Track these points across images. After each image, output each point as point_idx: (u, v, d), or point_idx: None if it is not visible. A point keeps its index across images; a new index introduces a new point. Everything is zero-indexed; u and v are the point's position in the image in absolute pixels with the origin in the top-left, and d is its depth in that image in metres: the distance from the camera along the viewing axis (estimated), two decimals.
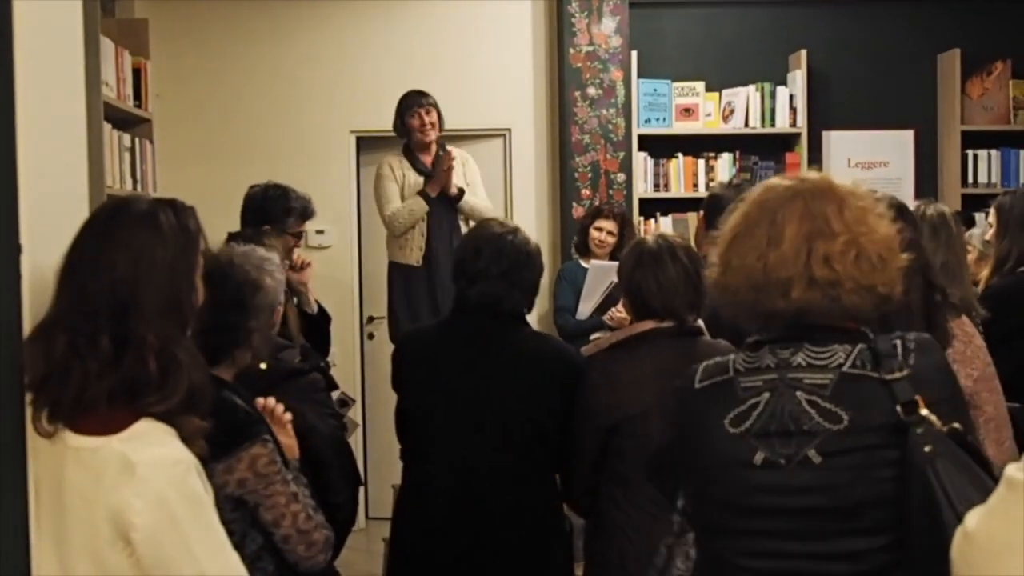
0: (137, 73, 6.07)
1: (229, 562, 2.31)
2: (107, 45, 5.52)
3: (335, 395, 4.48)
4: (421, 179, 6.47)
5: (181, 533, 2.24)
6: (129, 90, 5.93)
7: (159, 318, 2.30)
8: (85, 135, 2.88)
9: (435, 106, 6.51)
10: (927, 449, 2.13)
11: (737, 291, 2.39)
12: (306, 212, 5.70)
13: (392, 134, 7.31)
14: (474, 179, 6.75)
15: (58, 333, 2.31)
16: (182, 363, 2.30)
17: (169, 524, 2.23)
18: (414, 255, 6.43)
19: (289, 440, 2.99)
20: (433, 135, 6.51)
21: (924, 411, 2.17)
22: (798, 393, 2.28)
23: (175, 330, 2.33)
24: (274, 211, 5.55)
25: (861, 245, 2.29)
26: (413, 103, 6.51)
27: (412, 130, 6.50)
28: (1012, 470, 1.75)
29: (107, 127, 5.41)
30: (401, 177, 6.56)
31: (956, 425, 2.17)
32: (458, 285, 3.80)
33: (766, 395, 2.31)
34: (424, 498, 3.79)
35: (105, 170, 5.22)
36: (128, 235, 2.36)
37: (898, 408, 2.19)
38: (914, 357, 2.27)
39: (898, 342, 2.30)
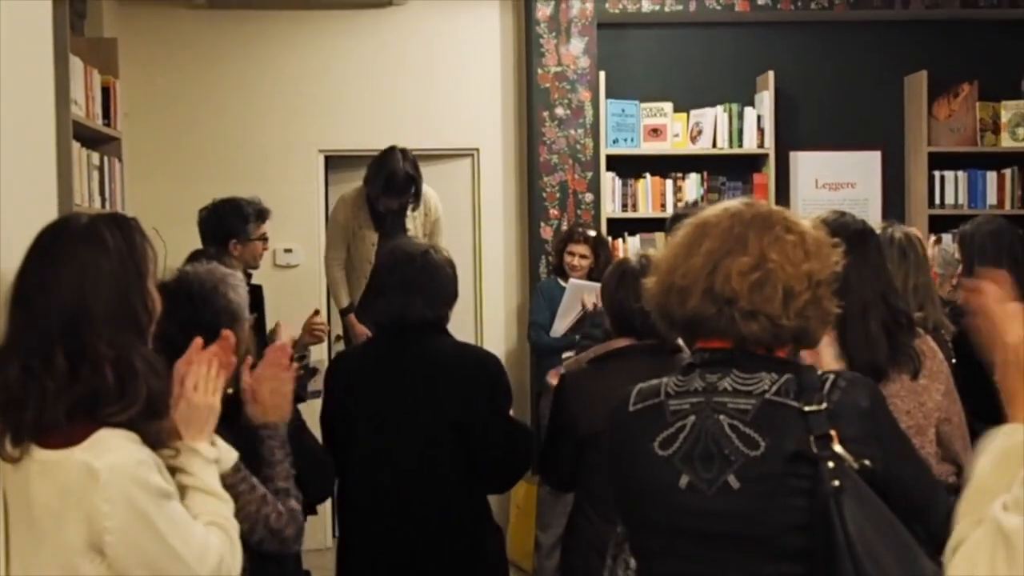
0: (106, 91, 6.05)
1: (204, 544, 2.32)
2: (76, 63, 5.49)
3: (310, 363, 4.54)
4: (374, 235, 6.55)
5: (154, 528, 2.26)
6: (98, 108, 5.91)
7: (111, 327, 2.30)
8: (54, 153, 2.88)
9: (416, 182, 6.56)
10: (835, 483, 2.16)
11: (653, 296, 2.45)
12: (262, 214, 5.76)
13: (361, 153, 7.44)
14: (434, 225, 6.79)
15: (12, 358, 2.32)
16: (139, 371, 2.29)
17: (140, 522, 2.25)
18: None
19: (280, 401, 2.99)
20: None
21: (837, 446, 2.19)
22: (721, 417, 2.30)
23: (130, 337, 2.33)
24: (233, 224, 5.58)
25: (769, 272, 2.31)
26: (393, 184, 6.51)
27: (384, 208, 6.55)
28: (1000, 515, 1.74)
29: (76, 145, 5.37)
30: (354, 230, 6.67)
31: (867, 462, 2.20)
32: (372, 303, 3.86)
33: (692, 418, 2.33)
34: (354, 514, 3.86)
35: (74, 188, 5.19)
36: (70, 251, 2.36)
37: (811, 439, 2.22)
38: (838, 394, 2.28)
39: (830, 377, 2.31)
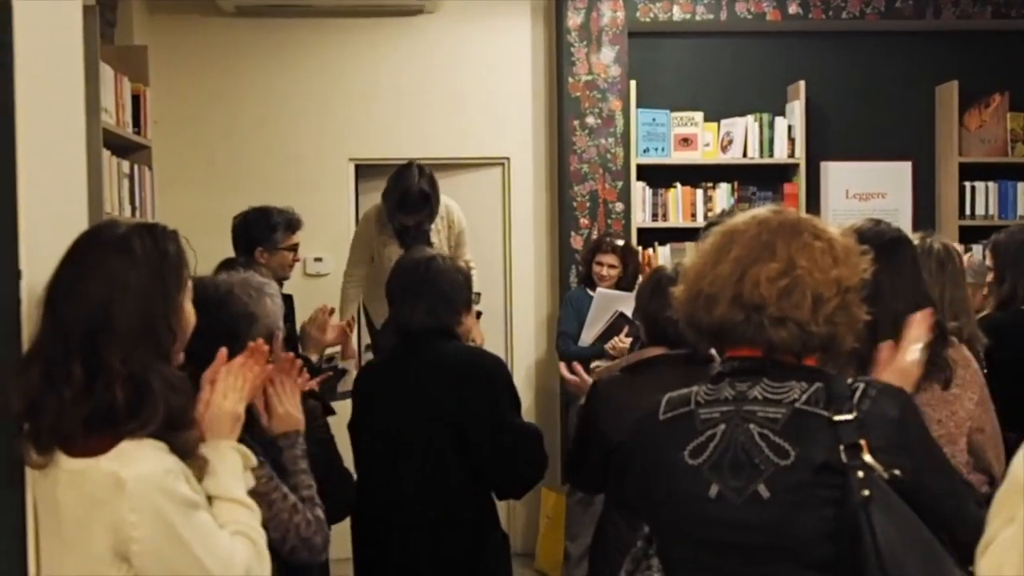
0: (136, 99, 6.07)
1: (230, 553, 2.32)
2: (107, 71, 5.52)
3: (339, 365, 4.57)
4: (399, 250, 6.42)
5: (180, 538, 2.26)
6: (128, 117, 5.93)
7: (130, 344, 2.30)
8: (84, 162, 2.88)
9: (431, 203, 6.50)
10: (865, 493, 2.17)
11: (681, 304, 2.46)
12: (292, 223, 5.74)
13: (392, 162, 7.35)
14: (459, 237, 6.75)
15: (35, 364, 2.32)
16: (155, 390, 2.29)
17: (167, 532, 2.25)
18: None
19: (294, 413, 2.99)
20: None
21: (867, 456, 2.20)
22: (751, 426, 2.30)
23: (148, 356, 2.32)
24: (260, 232, 5.58)
25: (798, 278, 2.31)
26: (408, 203, 6.46)
27: (403, 225, 6.50)
28: None
29: (106, 154, 5.40)
30: (379, 248, 6.62)
31: (896, 472, 2.20)
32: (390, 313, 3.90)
33: (722, 427, 2.34)
34: (374, 531, 3.88)
35: (104, 197, 5.22)
36: (100, 261, 2.36)
37: (842, 449, 2.21)
38: (868, 403, 2.28)
39: (860, 386, 2.31)
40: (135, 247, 2.39)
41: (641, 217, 7.65)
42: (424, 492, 3.72)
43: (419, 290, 3.80)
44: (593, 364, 5.68)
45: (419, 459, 3.73)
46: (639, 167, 7.64)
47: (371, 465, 3.86)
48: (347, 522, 3.68)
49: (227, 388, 2.47)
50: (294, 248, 5.78)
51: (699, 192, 7.69)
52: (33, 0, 2.50)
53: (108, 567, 2.29)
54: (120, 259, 2.37)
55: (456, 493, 3.76)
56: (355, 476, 3.88)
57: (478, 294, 4.02)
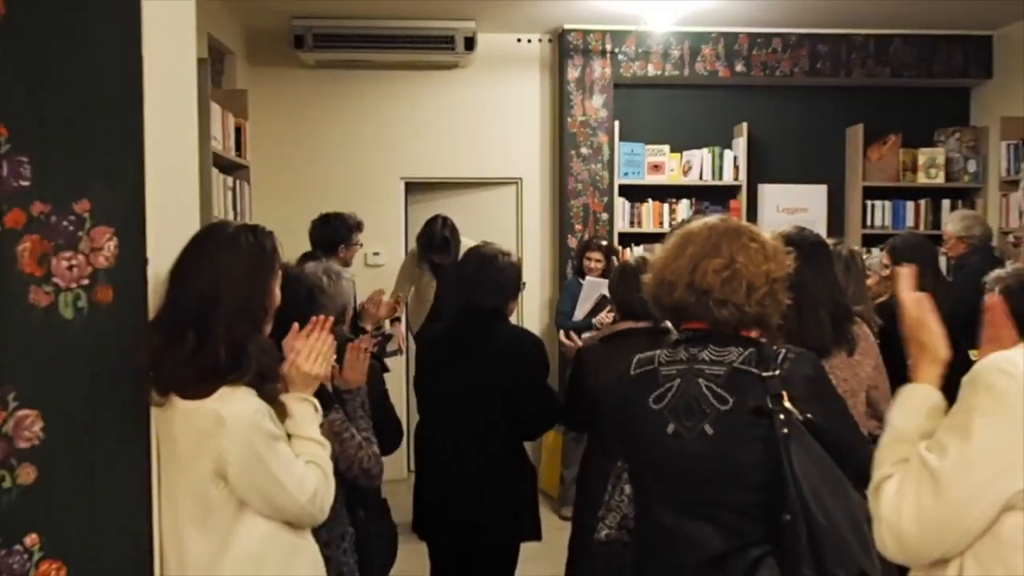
0: (238, 131, 6.08)
1: (303, 477, 2.33)
2: (216, 109, 5.53)
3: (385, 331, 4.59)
4: (435, 280, 6.67)
5: (264, 463, 2.27)
6: (232, 143, 5.94)
7: (233, 318, 2.31)
8: (197, 177, 2.89)
9: (450, 248, 6.58)
10: (785, 431, 2.19)
11: (649, 289, 2.49)
12: (360, 225, 5.89)
13: (433, 180, 7.71)
14: None
15: (158, 330, 2.35)
16: (251, 352, 2.30)
17: (254, 458, 2.27)
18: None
19: (359, 376, 3.00)
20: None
21: (787, 403, 2.22)
22: (700, 380, 2.32)
23: (246, 326, 2.33)
24: (343, 233, 5.67)
25: (736, 270, 2.34)
26: (433, 244, 6.60)
27: (428, 262, 6.69)
28: (925, 455, 1.72)
29: (215, 172, 5.42)
30: (419, 276, 6.77)
31: (809, 416, 2.22)
32: (455, 293, 3.90)
33: (678, 380, 2.36)
34: (433, 460, 3.87)
35: (213, 204, 5.25)
36: (213, 253, 2.37)
37: (768, 398, 2.23)
38: (789, 364, 2.29)
39: (783, 352, 2.33)
40: (241, 243, 2.40)
41: (621, 224, 7.64)
42: (476, 436, 3.73)
43: (484, 279, 3.80)
44: (584, 335, 5.68)
45: (474, 408, 3.73)
46: (620, 186, 7.63)
47: (436, 415, 3.86)
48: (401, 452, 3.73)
49: (308, 353, 2.47)
50: (360, 244, 5.86)
51: (665, 206, 7.68)
52: (159, 55, 2.50)
53: (211, 484, 2.30)
54: (228, 253, 2.37)
55: (506, 441, 3.78)
56: (420, 421, 3.92)
57: (524, 283, 4.01)
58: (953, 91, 7.99)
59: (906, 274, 1.99)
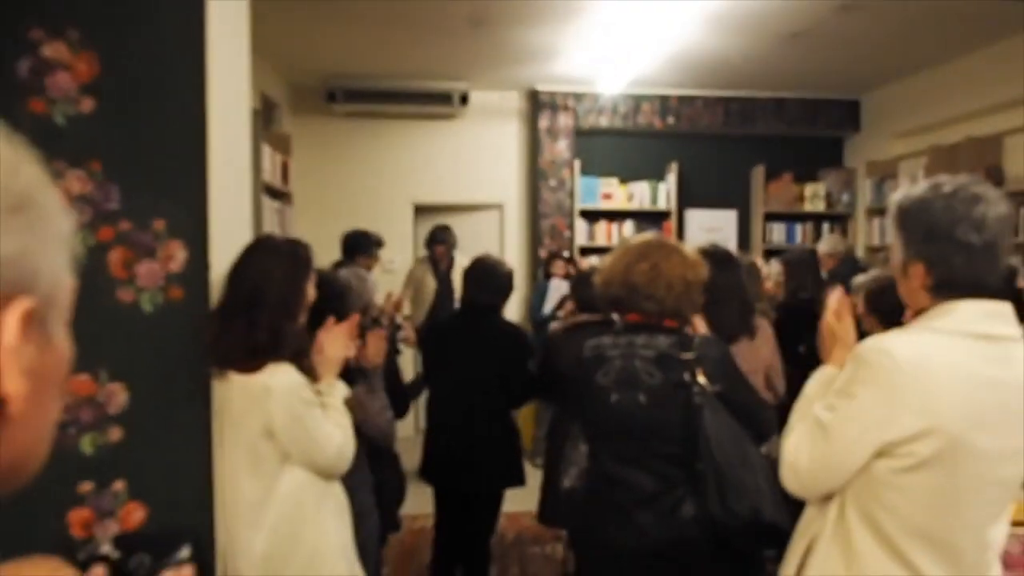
0: (284, 165, 6.05)
1: (330, 436, 2.31)
2: (266, 149, 5.50)
3: (399, 334, 4.57)
4: (435, 283, 6.52)
5: (303, 424, 2.26)
6: (279, 175, 5.90)
7: (274, 310, 2.29)
8: (250, 202, 2.86)
9: (447, 240, 6.49)
10: (698, 400, 2.23)
11: (598, 288, 2.52)
12: (380, 242, 5.79)
13: (437, 205, 7.59)
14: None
15: (217, 318, 2.33)
16: (287, 337, 2.29)
17: (294, 419, 2.26)
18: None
19: (378, 356, 2.95)
20: (446, 260, 6.53)
21: (701, 379, 2.25)
22: (636, 360, 2.34)
23: (283, 318, 2.31)
24: (363, 247, 5.61)
25: (659, 272, 2.36)
26: (436, 238, 6.50)
27: (435, 255, 6.52)
28: (818, 412, 1.71)
29: (265, 198, 5.39)
30: (420, 279, 6.59)
31: (718, 388, 2.26)
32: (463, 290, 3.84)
33: (619, 361, 2.37)
34: (440, 422, 3.83)
35: (263, 222, 5.21)
36: (260, 258, 2.36)
37: (686, 374, 2.24)
38: (702, 348, 2.32)
39: (698, 338, 2.35)
40: (281, 252, 2.38)
41: (581, 239, 7.61)
42: (477, 407, 3.68)
43: (486, 282, 3.75)
44: (551, 326, 5.67)
45: (476, 384, 3.68)
46: (580, 210, 7.60)
47: (443, 387, 3.81)
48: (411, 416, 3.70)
49: (332, 341, 2.44)
50: (378, 257, 5.80)
51: (615, 225, 7.65)
52: (221, 106, 2.48)
53: (260, 440, 2.29)
54: (273, 259, 2.35)
55: (497, 408, 3.74)
56: (430, 392, 3.88)
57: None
58: (831, 140, 8.01)
59: (835, 295, 1.99)
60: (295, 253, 2.40)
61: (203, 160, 2.39)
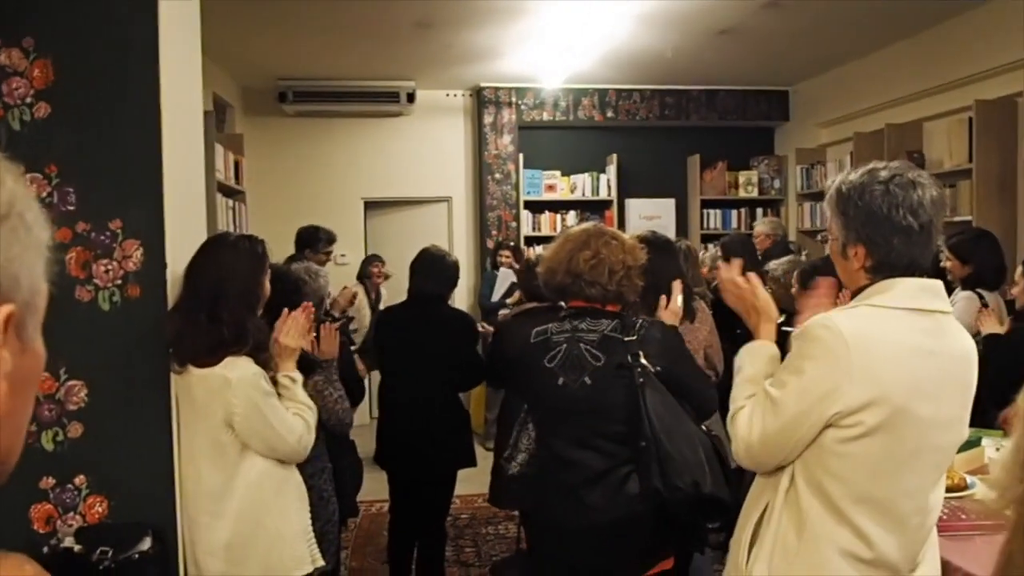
0: (237, 164, 5.98)
1: (291, 424, 2.32)
2: (219, 149, 5.43)
3: (352, 326, 4.50)
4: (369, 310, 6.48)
5: (261, 413, 2.26)
6: (232, 174, 5.83)
7: (234, 303, 2.29)
8: (204, 200, 2.84)
9: (383, 262, 6.53)
10: (641, 381, 2.24)
11: (542, 275, 2.52)
12: (331, 238, 5.71)
13: (386, 200, 7.55)
14: None
15: (176, 313, 2.33)
16: (248, 330, 2.29)
17: (254, 409, 2.26)
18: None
19: (332, 348, 2.93)
20: (382, 280, 6.53)
21: (643, 360, 2.26)
22: (581, 344, 2.35)
23: (245, 312, 2.31)
24: (314, 239, 5.55)
25: (600, 259, 2.38)
26: (373, 260, 6.56)
27: (372, 275, 6.51)
28: (768, 388, 1.72)
29: (219, 196, 5.31)
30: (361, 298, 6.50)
31: (659, 368, 2.28)
32: (410, 280, 3.82)
33: (565, 345, 2.38)
34: (392, 408, 3.82)
35: (217, 220, 5.14)
36: (218, 254, 2.35)
37: (629, 356, 2.26)
38: (644, 330, 2.33)
39: (640, 321, 2.37)
40: (239, 247, 2.37)
41: (526, 230, 7.65)
42: (426, 390, 3.66)
43: (433, 272, 3.73)
44: (500, 312, 5.69)
45: (426, 371, 3.66)
46: (525, 202, 7.63)
47: (395, 374, 3.79)
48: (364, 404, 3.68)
49: (288, 331, 2.43)
50: (329, 253, 5.71)
51: (558, 215, 7.70)
52: (174, 109, 2.45)
53: (221, 431, 2.28)
54: (231, 254, 2.34)
55: (447, 393, 3.73)
56: (382, 379, 3.86)
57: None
58: (762, 130, 8.15)
59: (730, 265, 2.00)
60: (252, 248, 2.40)
61: (158, 161, 2.36)
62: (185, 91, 2.61)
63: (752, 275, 1.97)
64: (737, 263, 2.01)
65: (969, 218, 5.20)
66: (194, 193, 2.70)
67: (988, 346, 3.25)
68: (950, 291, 3.71)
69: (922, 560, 1.73)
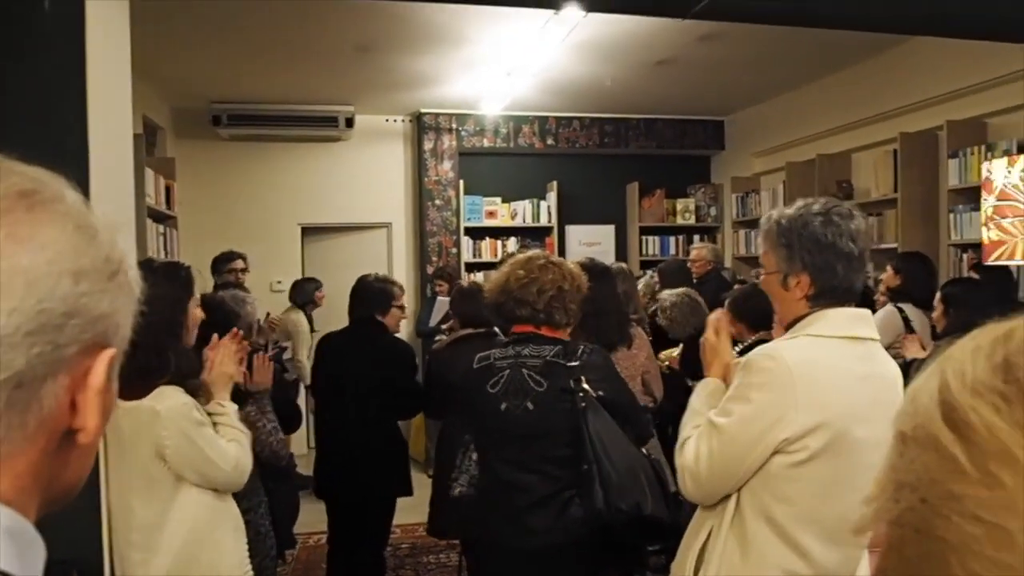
0: (168, 189, 5.86)
1: (226, 452, 2.27)
2: (150, 173, 5.33)
3: (285, 355, 4.44)
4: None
5: (194, 444, 2.22)
6: (163, 199, 5.71)
7: (157, 332, 2.22)
8: (135, 225, 2.78)
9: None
10: (583, 405, 2.28)
11: (486, 299, 2.57)
12: (229, 257, 5.64)
13: (323, 225, 7.48)
14: None
15: None
16: (170, 359, 2.24)
17: (186, 440, 2.21)
18: None
19: (266, 379, 2.89)
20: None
21: (585, 384, 2.30)
22: (524, 370, 2.38)
23: (166, 337, 2.25)
24: (217, 264, 5.53)
25: (532, 279, 2.43)
26: (320, 285, 6.54)
27: (317, 299, 6.48)
28: (712, 416, 1.77)
29: (149, 221, 5.20)
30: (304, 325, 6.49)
31: (601, 393, 2.31)
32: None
33: (508, 371, 2.41)
34: (329, 435, 3.81)
35: (148, 246, 5.03)
36: (144, 283, 2.28)
37: (571, 381, 2.30)
38: (586, 356, 2.37)
39: (582, 347, 2.40)
40: (161, 273, 2.34)
41: (467, 256, 7.67)
42: (362, 417, 3.65)
43: (361, 296, 3.76)
44: (436, 338, 5.68)
45: (361, 396, 3.65)
46: (465, 228, 7.65)
47: (329, 399, 3.77)
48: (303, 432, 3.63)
49: (222, 359, 2.39)
50: (233, 271, 5.57)
51: (499, 242, 7.74)
52: (102, 132, 2.40)
53: (152, 464, 2.23)
54: (150, 281, 2.28)
55: (381, 415, 3.71)
56: (316, 405, 3.81)
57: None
58: (699, 158, 8.33)
59: (717, 316, 2.05)
60: (176, 274, 2.36)
61: (85, 185, 2.30)
62: (114, 113, 2.56)
63: (720, 314, 2.04)
64: (723, 315, 2.07)
65: (895, 245, 5.39)
66: (123, 219, 2.64)
67: (910, 371, 3.37)
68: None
69: (860, 571, 1.78)
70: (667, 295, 4.35)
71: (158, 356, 2.21)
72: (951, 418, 0.43)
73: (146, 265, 2.39)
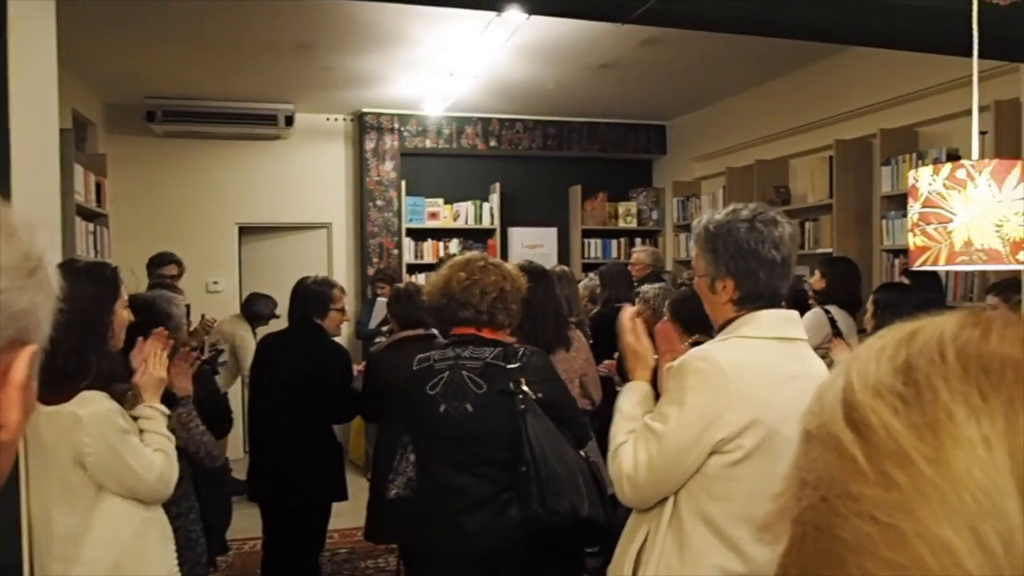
0: (99, 186, 5.68)
1: (150, 461, 2.21)
2: (79, 169, 5.16)
3: (221, 358, 4.37)
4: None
5: (116, 452, 2.15)
6: (94, 197, 5.54)
7: (81, 335, 2.16)
8: (60, 224, 2.69)
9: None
10: (522, 407, 2.29)
11: (428, 303, 2.57)
12: (161, 259, 5.61)
13: (261, 225, 7.31)
14: None
15: None
16: (91, 362, 2.17)
17: (108, 448, 2.15)
18: None
19: (186, 384, 2.80)
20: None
21: (524, 387, 2.31)
22: (463, 372, 2.39)
23: (88, 339, 2.18)
24: (151, 266, 5.46)
25: (474, 281, 2.44)
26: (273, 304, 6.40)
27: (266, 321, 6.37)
28: (648, 421, 1.78)
29: (78, 219, 5.04)
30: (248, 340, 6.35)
31: (540, 395, 2.32)
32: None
33: (447, 373, 2.41)
34: (263, 437, 3.77)
35: (77, 246, 4.87)
36: (66, 283, 2.21)
37: (511, 383, 2.30)
38: (526, 358, 2.38)
39: (522, 350, 2.41)
40: (83, 273, 2.26)
41: (408, 257, 7.62)
42: (297, 421, 3.62)
43: (302, 299, 3.74)
44: (376, 339, 5.64)
45: (296, 399, 3.61)
46: (407, 229, 7.60)
47: (265, 402, 3.72)
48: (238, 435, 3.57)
49: (153, 364, 2.33)
50: (168, 275, 5.49)
51: (441, 243, 7.71)
52: (27, 127, 2.32)
53: (71, 471, 2.15)
54: (70, 281, 2.20)
55: (317, 423, 3.68)
56: (251, 408, 3.76)
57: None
58: (641, 162, 8.42)
59: (633, 311, 2.07)
60: (100, 275, 2.29)
61: (6, 181, 2.22)
62: (39, 106, 2.48)
63: (631, 314, 2.05)
64: (637, 312, 2.07)
65: (830, 249, 5.52)
66: (47, 217, 2.55)
67: None
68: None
69: None
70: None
71: (78, 359, 2.14)
72: (852, 418, 0.43)
73: (68, 265, 2.31)
